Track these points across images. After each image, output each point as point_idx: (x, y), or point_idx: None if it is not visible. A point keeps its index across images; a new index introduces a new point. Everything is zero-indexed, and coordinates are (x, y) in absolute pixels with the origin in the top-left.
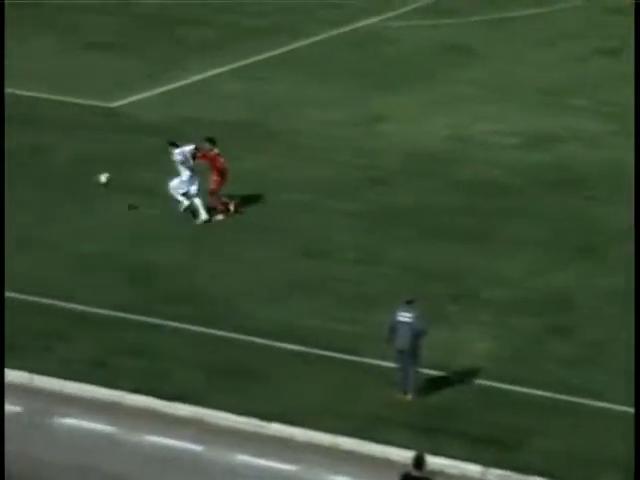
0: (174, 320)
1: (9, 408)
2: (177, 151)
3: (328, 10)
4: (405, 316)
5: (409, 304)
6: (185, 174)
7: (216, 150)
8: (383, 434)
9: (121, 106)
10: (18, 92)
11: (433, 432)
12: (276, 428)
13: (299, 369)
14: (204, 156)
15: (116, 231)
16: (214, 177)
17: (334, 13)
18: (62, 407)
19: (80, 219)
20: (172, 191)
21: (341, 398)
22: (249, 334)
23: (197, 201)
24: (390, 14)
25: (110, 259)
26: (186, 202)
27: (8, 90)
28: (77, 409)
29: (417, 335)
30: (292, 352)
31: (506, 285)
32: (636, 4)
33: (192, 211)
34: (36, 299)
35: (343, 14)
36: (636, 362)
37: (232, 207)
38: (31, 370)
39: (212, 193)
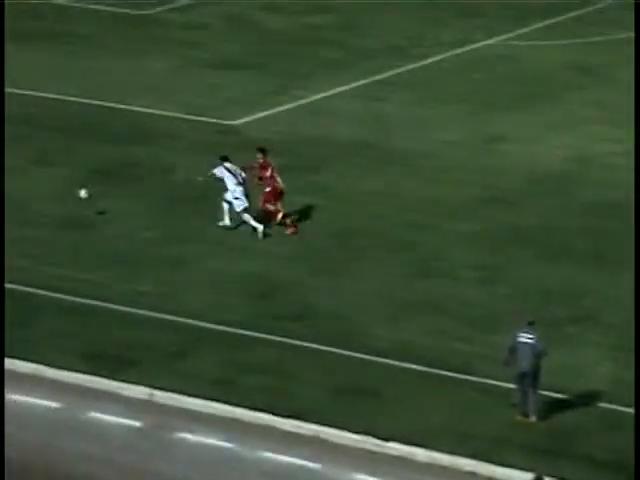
0: (294, 338)
1: (129, 423)
2: (227, 165)
3: (449, 31)
4: (526, 337)
5: (530, 325)
6: (235, 189)
7: (261, 159)
8: (504, 456)
9: (243, 124)
10: (142, 110)
11: (554, 455)
12: (394, 447)
13: (417, 388)
14: (251, 167)
15: (237, 248)
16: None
17: (455, 34)
18: (182, 423)
19: (200, 237)
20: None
21: (460, 418)
22: (368, 353)
23: (246, 216)
24: (511, 34)
25: (232, 276)
26: (228, 222)
27: (132, 108)
28: (197, 425)
29: (538, 356)
30: (410, 371)
31: (625, 307)
32: (636, 4)
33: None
34: (161, 315)
35: (463, 35)
36: (636, 362)
37: (279, 217)
38: (154, 386)
39: (264, 203)
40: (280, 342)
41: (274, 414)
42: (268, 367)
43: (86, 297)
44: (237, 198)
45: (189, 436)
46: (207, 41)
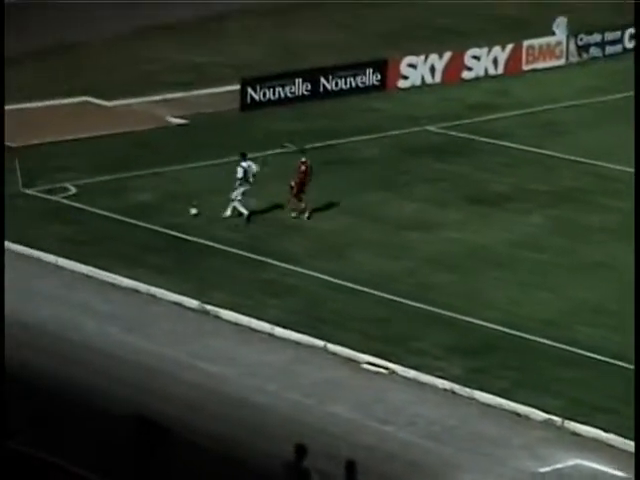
0: None
1: None
2: (244, 164)
3: None
4: None
5: None
6: (242, 187)
7: (303, 160)
8: None
9: None
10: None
11: None
12: None
13: None
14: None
15: None
16: (296, 180)
17: None
18: None
19: None
20: (235, 203)
21: None
22: None
23: (235, 203)
24: None
25: None
26: (244, 211)
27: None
28: None
29: None
30: None
31: None
32: (636, 4)
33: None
34: None
35: None
36: (636, 362)
37: (307, 213)
38: None
39: (294, 195)
40: None
41: None
42: None
43: None
44: (237, 189)
45: None
46: None
